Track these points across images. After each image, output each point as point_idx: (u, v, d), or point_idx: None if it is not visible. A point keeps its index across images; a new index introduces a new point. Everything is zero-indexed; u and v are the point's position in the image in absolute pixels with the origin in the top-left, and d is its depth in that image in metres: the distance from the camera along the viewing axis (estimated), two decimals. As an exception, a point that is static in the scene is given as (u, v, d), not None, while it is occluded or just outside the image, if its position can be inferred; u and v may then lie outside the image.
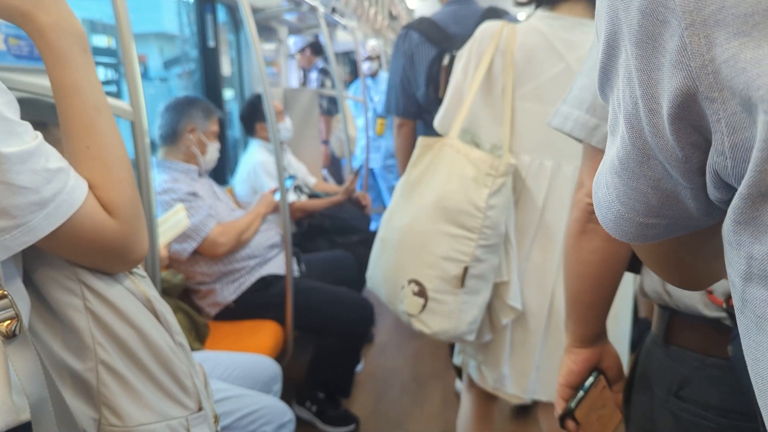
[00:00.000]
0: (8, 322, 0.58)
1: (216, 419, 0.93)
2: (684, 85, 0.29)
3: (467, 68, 1.45)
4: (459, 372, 2.47)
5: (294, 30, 3.97)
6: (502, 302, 1.45)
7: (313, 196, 3.04)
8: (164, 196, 2.11)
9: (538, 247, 1.43)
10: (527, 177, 1.42)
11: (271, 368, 1.90)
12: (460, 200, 1.37)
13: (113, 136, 0.79)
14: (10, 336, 0.58)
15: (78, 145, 0.76)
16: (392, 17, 5.56)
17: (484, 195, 1.36)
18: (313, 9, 3.14)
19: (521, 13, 2.18)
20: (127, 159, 0.81)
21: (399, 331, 3.30)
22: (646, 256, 0.50)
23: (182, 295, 2.18)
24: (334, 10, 3.64)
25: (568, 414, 0.94)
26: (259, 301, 2.28)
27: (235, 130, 3.46)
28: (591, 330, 0.94)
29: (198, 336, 2.01)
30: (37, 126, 0.68)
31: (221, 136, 2.43)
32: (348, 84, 5.06)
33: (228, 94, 3.36)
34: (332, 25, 4.07)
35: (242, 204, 2.74)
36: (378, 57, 4.61)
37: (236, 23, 3.24)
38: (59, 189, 0.67)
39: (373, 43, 4.57)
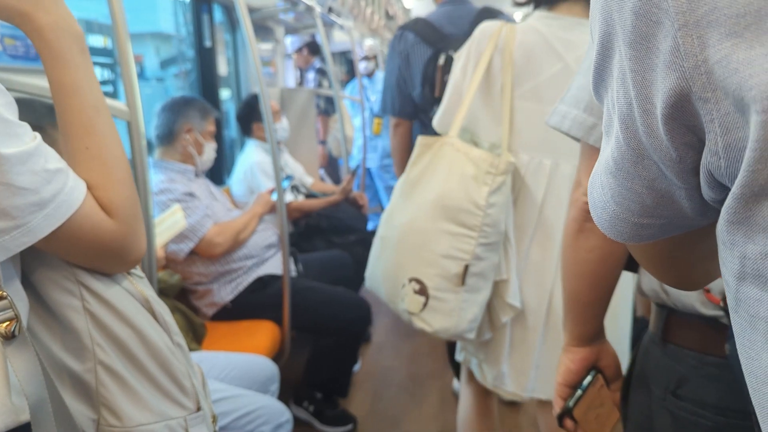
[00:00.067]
0: (7, 323, 0.58)
1: (214, 419, 0.93)
2: (677, 86, 0.30)
3: (466, 68, 1.45)
4: (457, 371, 2.47)
5: (291, 30, 3.97)
6: (501, 301, 1.46)
7: (310, 196, 3.04)
8: (161, 196, 2.11)
9: (537, 245, 1.44)
10: (526, 176, 1.43)
11: (269, 368, 1.90)
12: (461, 198, 1.38)
13: (112, 136, 0.79)
14: (10, 337, 0.58)
15: (77, 146, 0.75)
16: (389, 17, 5.56)
17: (484, 193, 1.36)
18: (309, 9, 3.14)
19: (516, 14, 2.19)
20: (125, 159, 0.81)
21: (396, 330, 3.31)
22: (642, 256, 0.51)
23: (179, 296, 2.18)
24: (330, 9, 3.64)
25: (566, 413, 0.94)
26: (257, 302, 2.28)
27: (232, 130, 3.46)
28: (589, 329, 0.94)
29: (195, 336, 2.01)
30: (33, 127, 0.68)
31: (218, 136, 2.43)
32: (345, 84, 5.06)
33: (225, 94, 3.35)
34: (329, 25, 4.07)
35: (239, 204, 2.74)
36: (375, 57, 4.61)
37: (233, 23, 3.24)
38: (58, 190, 0.67)
39: (369, 43, 4.57)
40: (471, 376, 1.65)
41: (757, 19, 0.26)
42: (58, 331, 0.74)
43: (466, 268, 1.38)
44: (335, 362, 2.40)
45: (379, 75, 4.58)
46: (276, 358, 2.16)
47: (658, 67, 0.30)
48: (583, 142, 0.89)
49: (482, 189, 1.37)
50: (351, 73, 5.22)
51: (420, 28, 2.14)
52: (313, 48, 4.25)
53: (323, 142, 4.32)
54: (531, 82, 1.39)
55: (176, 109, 2.24)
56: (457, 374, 2.50)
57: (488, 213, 1.37)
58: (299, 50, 4.26)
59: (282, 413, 1.63)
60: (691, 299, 0.81)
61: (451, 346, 2.28)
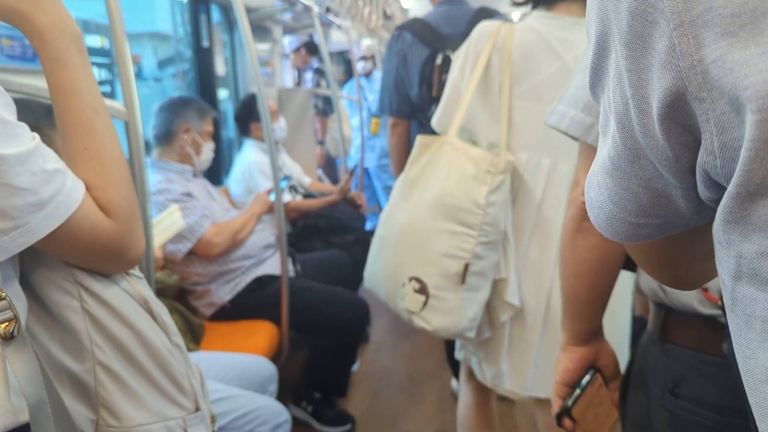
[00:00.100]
0: (6, 323, 0.58)
1: (213, 419, 0.93)
2: (673, 85, 0.30)
3: (464, 67, 1.45)
4: (455, 371, 2.47)
5: (288, 30, 3.97)
6: (500, 299, 1.46)
7: (308, 195, 3.04)
8: (159, 196, 2.11)
9: (536, 244, 1.44)
10: (524, 175, 1.43)
11: (267, 368, 1.90)
12: (460, 197, 1.38)
13: (110, 136, 0.79)
14: (9, 338, 0.58)
15: (76, 146, 0.75)
16: (386, 17, 5.55)
17: (484, 192, 1.37)
18: (307, 9, 3.14)
19: (514, 13, 2.19)
20: (123, 159, 0.81)
21: (395, 330, 3.31)
22: (639, 256, 0.51)
23: (177, 296, 2.17)
24: (328, 9, 3.64)
25: (564, 412, 0.94)
26: (255, 302, 2.28)
27: (230, 130, 3.46)
28: (587, 328, 0.95)
29: (193, 337, 2.01)
30: (31, 127, 0.68)
31: (216, 136, 2.42)
32: (342, 83, 5.06)
33: (222, 94, 3.35)
34: (327, 25, 4.07)
35: (237, 204, 2.73)
36: (372, 56, 4.61)
37: (230, 23, 3.23)
38: (57, 190, 0.67)
39: (367, 43, 4.56)
40: (471, 374, 1.66)
41: (752, 18, 0.26)
42: (57, 332, 0.74)
43: (466, 266, 1.39)
44: (334, 362, 2.40)
45: (377, 75, 4.58)
46: (274, 358, 2.16)
47: (654, 66, 0.30)
48: (582, 141, 0.90)
49: (482, 188, 1.37)
50: (349, 73, 5.23)
51: (417, 28, 2.15)
52: (311, 48, 4.24)
53: (321, 142, 4.31)
54: (529, 81, 1.39)
55: (174, 110, 2.24)
56: (456, 374, 2.50)
57: (488, 212, 1.37)
58: (297, 50, 4.26)
59: (280, 413, 1.63)
60: (690, 298, 0.81)
61: (449, 346, 2.28)
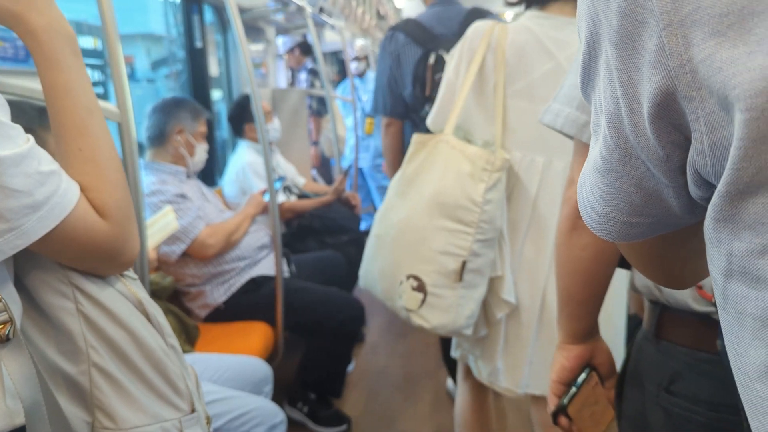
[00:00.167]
0: (2, 326, 0.58)
1: (208, 421, 0.93)
2: (663, 85, 0.30)
3: (459, 67, 1.46)
4: (450, 370, 2.48)
5: (282, 30, 3.96)
6: (496, 297, 1.47)
7: (302, 196, 3.03)
8: (152, 198, 2.10)
9: (531, 242, 1.45)
10: (519, 173, 1.44)
11: (262, 369, 1.89)
12: (457, 195, 1.39)
13: (105, 138, 0.78)
14: (4, 340, 0.58)
15: (70, 147, 0.75)
16: (380, 17, 5.55)
17: (481, 190, 1.37)
18: (300, 9, 3.14)
19: (507, 13, 2.20)
20: (118, 161, 0.80)
21: (390, 330, 3.31)
22: (632, 255, 0.51)
23: (171, 298, 2.17)
24: (321, 9, 3.64)
25: (560, 410, 0.94)
26: (250, 303, 2.27)
27: (224, 130, 3.45)
28: (583, 326, 0.95)
29: (188, 338, 2.00)
30: (24, 129, 0.68)
31: (209, 137, 2.42)
32: (336, 84, 5.06)
33: (216, 94, 3.34)
34: (320, 25, 4.07)
35: (231, 205, 2.73)
36: (366, 57, 4.61)
37: (223, 24, 3.23)
38: (52, 192, 0.67)
39: (360, 44, 4.56)
40: (468, 372, 1.66)
41: (740, 18, 0.26)
42: (52, 334, 0.74)
43: (464, 264, 1.40)
44: (329, 362, 2.40)
45: (371, 75, 4.58)
46: (269, 359, 2.15)
47: (644, 66, 0.31)
48: (576, 139, 0.90)
49: (479, 186, 1.38)
50: (342, 73, 5.22)
51: (410, 28, 2.16)
52: (305, 48, 4.24)
53: (316, 143, 4.31)
54: (523, 80, 1.40)
55: (167, 111, 2.23)
56: (451, 373, 2.51)
57: (485, 209, 1.38)
58: (291, 50, 4.25)
59: (276, 414, 1.63)
60: (684, 296, 0.82)
61: (444, 346, 2.28)
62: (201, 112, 2.31)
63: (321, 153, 4.35)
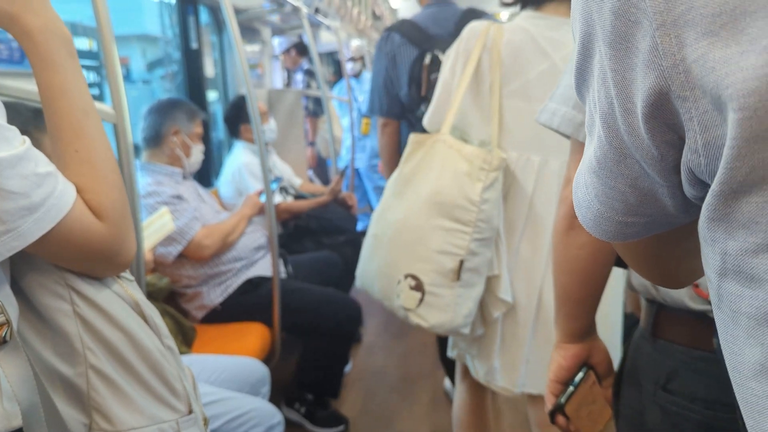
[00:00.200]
0: (-3, 328, 0.58)
1: (206, 422, 0.93)
2: (657, 85, 0.30)
3: (455, 67, 1.47)
4: (448, 370, 2.48)
5: (277, 31, 3.96)
6: (493, 296, 1.47)
7: (298, 197, 3.03)
8: (149, 199, 2.10)
9: (527, 241, 1.46)
10: (515, 172, 1.44)
11: (259, 370, 1.89)
12: (455, 195, 1.40)
13: (101, 139, 0.78)
14: (1, 342, 0.58)
15: (66, 149, 0.75)
16: (375, 17, 5.55)
17: (478, 189, 1.38)
18: (296, 10, 3.13)
19: (503, 13, 2.20)
20: (114, 162, 0.80)
21: (387, 330, 3.31)
22: (628, 255, 0.51)
23: (168, 299, 2.16)
24: (317, 10, 3.63)
25: (557, 409, 0.94)
26: (246, 304, 2.27)
27: (220, 131, 3.45)
28: (580, 325, 0.95)
29: (185, 339, 2.00)
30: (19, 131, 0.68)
31: (205, 138, 2.42)
32: (332, 84, 5.06)
33: (212, 95, 3.34)
34: (316, 26, 4.07)
35: (227, 206, 2.72)
36: (361, 58, 4.61)
37: (219, 24, 3.23)
38: (48, 193, 0.66)
39: (356, 44, 4.56)
40: (466, 372, 1.66)
41: (732, 18, 0.26)
42: (49, 336, 0.74)
43: (461, 263, 1.40)
44: (326, 363, 2.40)
45: (367, 75, 4.58)
46: (266, 360, 2.15)
47: (638, 66, 0.31)
48: (573, 139, 0.90)
49: (476, 185, 1.38)
50: (338, 73, 5.22)
51: (406, 29, 2.17)
52: (301, 49, 4.24)
53: (312, 144, 4.31)
54: (519, 80, 1.41)
55: (163, 112, 2.23)
56: (449, 373, 2.51)
57: (482, 209, 1.39)
58: (287, 51, 4.25)
59: (273, 415, 1.63)
60: (681, 294, 0.82)
61: (442, 346, 2.28)
62: (197, 113, 2.31)
63: (317, 153, 4.34)
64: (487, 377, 1.53)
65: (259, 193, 2.49)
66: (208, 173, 3.05)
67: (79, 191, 0.73)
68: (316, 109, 4.25)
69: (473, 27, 1.45)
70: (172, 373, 0.84)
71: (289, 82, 4.41)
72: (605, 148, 0.36)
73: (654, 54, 0.29)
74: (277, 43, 4.18)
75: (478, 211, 1.39)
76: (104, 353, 0.76)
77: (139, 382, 0.79)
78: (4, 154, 0.62)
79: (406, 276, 1.44)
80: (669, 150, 0.32)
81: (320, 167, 4.38)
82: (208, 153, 2.59)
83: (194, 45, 3.02)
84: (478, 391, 1.70)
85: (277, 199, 2.81)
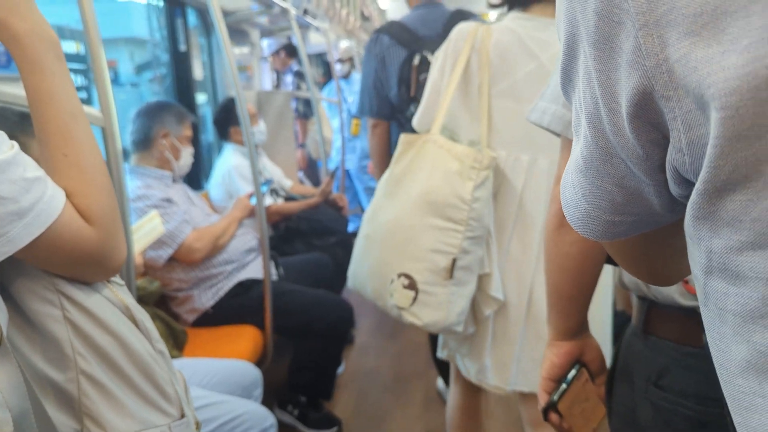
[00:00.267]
0: (-13, 334, 0.57)
1: (198, 426, 0.93)
2: (640, 84, 0.30)
3: (444, 68, 1.48)
4: (441, 370, 2.48)
5: (266, 33, 3.95)
6: (484, 294, 1.48)
7: (289, 198, 3.03)
8: (138, 203, 2.08)
9: (517, 239, 1.47)
10: (504, 171, 1.45)
11: (251, 373, 1.89)
12: (446, 194, 1.40)
13: (89, 143, 0.78)
14: (-10, 348, 0.57)
15: (55, 153, 0.75)
16: (364, 18, 5.56)
17: (470, 188, 1.39)
18: (284, 11, 3.13)
19: (490, 14, 2.21)
20: (103, 166, 0.80)
21: (380, 331, 3.31)
22: (616, 253, 0.51)
23: (159, 303, 2.15)
24: (305, 12, 3.63)
25: (550, 407, 0.95)
26: (238, 306, 2.26)
27: (209, 134, 3.43)
28: (572, 323, 0.95)
29: (176, 343, 1.99)
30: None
31: (195, 141, 2.40)
32: (322, 85, 5.05)
33: (201, 98, 3.32)
34: (304, 27, 4.06)
35: (218, 209, 2.72)
36: (350, 59, 4.60)
37: (207, 27, 3.21)
38: (37, 198, 0.66)
39: (344, 46, 4.56)
40: (460, 373, 1.67)
41: (713, 18, 0.26)
42: (39, 342, 0.73)
43: (454, 261, 1.41)
44: (319, 365, 2.40)
45: (356, 76, 4.58)
46: (259, 362, 2.15)
47: (622, 66, 0.31)
48: (563, 136, 0.91)
49: (467, 184, 1.39)
50: (328, 74, 5.22)
51: (395, 30, 2.18)
52: (291, 50, 4.23)
53: (302, 145, 4.30)
54: (507, 80, 1.42)
55: (152, 115, 2.22)
56: (441, 373, 2.51)
57: (474, 207, 1.40)
58: (276, 53, 4.24)
59: (266, 418, 1.62)
60: (671, 291, 0.83)
61: (434, 345, 2.29)
62: (186, 116, 2.30)
63: (308, 155, 4.34)
64: (479, 376, 1.53)
65: (250, 196, 2.48)
66: (198, 176, 3.04)
67: (68, 196, 0.72)
68: (306, 110, 4.24)
69: (462, 28, 1.46)
70: (164, 377, 0.84)
71: (278, 84, 4.40)
72: (591, 147, 0.36)
73: (637, 54, 0.29)
74: (266, 45, 4.17)
75: (469, 210, 1.40)
76: (95, 358, 0.75)
77: (131, 387, 0.79)
78: None
79: (399, 275, 1.44)
80: (654, 149, 0.33)
81: (311, 169, 4.37)
82: (197, 156, 2.58)
83: (182, 47, 3.00)
84: (472, 392, 1.71)
85: (268, 201, 2.81)
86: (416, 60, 2.08)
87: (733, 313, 0.30)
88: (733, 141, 0.27)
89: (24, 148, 0.71)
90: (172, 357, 1.83)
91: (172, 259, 2.14)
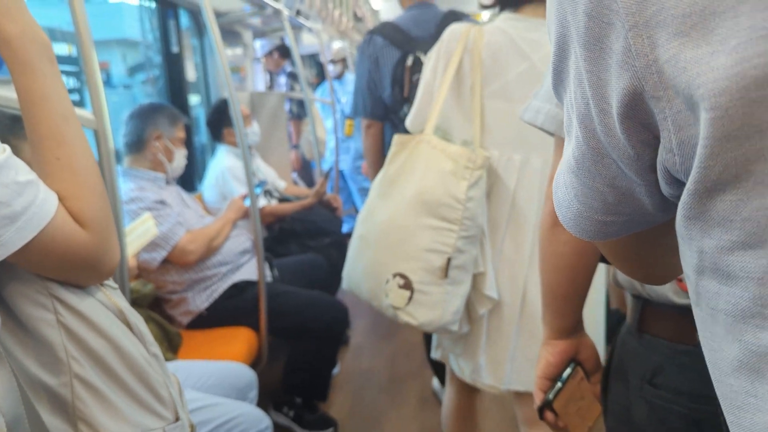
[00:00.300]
0: (-21, 339, 0.57)
1: (192, 429, 0.92)
2: (631, 85, 0.30)
3: (436, 68, 1.48)
4: (436, 370, 2.48)
5: (258, 34, 3.94)
6: (478, 293, 1.49)
7: (283, 200, 3.02)
8: (131, 205, 2.08)
9: (510, 238, 1.47)
10: (497, 171, 1.46)
11: (246, 375, 1.88)
12: (440, 194, 1.41)
13: (82, 145, 0.77)
14: (-18, 353, 0.57)
15: (47, 157, 0.74)
16: (357, 18, 5.56)
17: (464, 187, 1.40)
18: (277, 12, 3.12)
19: (484, 14, 2.22)
20: (96, 168, 0.80)
21: (374, 332, 3.30)
22: (609, 253, 0.51)
23: (153, 305, 2.15)
24: (298, 12, 3.63)
25: (546, 405, 0.95)
26: (232, 308, 2.26)
27: (202, 135, 3.42)
28: (567, 322, 0.96)
29: (170, 346, 1.98)
30: None
31: (188, 143, 2.40)
32: (315, 86, 5.05)
33: (194, 99, 3.31)
34: (297, 28, 4.05)
35: (211, 210, 2.71)
36: (343, 59, 4.60)
37: (200, 28, 3.20)
38: (30, 202, 0.66)
39: (336, 47, 4.56)
40: (454, 374, 1.67)
41: (702, 18, 0.26)
42: (32, 346, 0.73)
43: (449, 260, 1.42)
44: (314, 366, 2.39)
45: (349, 77, 4.58)
46: (254, 364, 2.14)
47: (612, 67, 0.31)
48: (557, 136, 0.91)
49: (461, 183, 1.40)
50: (321, 75, 5.21)
51: (388, 31, 2.19)
52: (284, 51, 4.23)
53: (296, 146, 4.29)
54: (499, 81, 1.42)
55: (145, 116, 2.21)
56: (436, 373, 2.51)
57: (468, 207, 1.40)
58: (270, 54, 4.24)
59: (261, 420, 1.62)
60: (665, 289, 0.83)
61: (429, 346, 2.29)
62: (179, 118, 2.29)
63: (301, 156, 4.33)
64: (473, 375, 1.54)
65: (244, 197, 2.48)
66: (191, 178, 3.03)
67: (60, 199, 0.72)
68: (299, 111, 4.24)
69: (454, 29, 1.46)
70: (158, 381, 0.83)
71: (271, 85, 4.40)
72: (583, 148, 0.36)
73: (627, 55, 0.30)
74: (259, 46, 4.17)
75: (463, 209, 1.40)
76: (89, 362, 0.75)
77: (125, 391, 0.79)
78: None
79: (395, 275, 1.45)
80: (645, 149, 0.33)
81: (304, 170, 4.37)
82: (191, 157, 2.57)
83: (175, 49, 3.00)
84: (467, 393, 1.71)
85: (262, 202, 2.80)
86: (409, 61, 2.09)
87: (724, 312, 0.30)
88: (722, 141, 0.27)
89: (16, 151, 0.71)
90: (167, 359, 1.83)
91: (166, 262, 2.13)
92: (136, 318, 0.84)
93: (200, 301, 2.22)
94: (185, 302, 2.22)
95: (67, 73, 2.35)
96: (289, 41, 3.32)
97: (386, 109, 2.23)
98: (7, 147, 0.66)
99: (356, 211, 4.34)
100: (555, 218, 0.91)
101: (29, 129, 0.75)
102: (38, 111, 0.74)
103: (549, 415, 0.96)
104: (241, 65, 3.70)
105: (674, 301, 0.82)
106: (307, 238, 2.95)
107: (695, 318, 0.34)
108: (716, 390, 0.32)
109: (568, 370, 0.97)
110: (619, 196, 0.37)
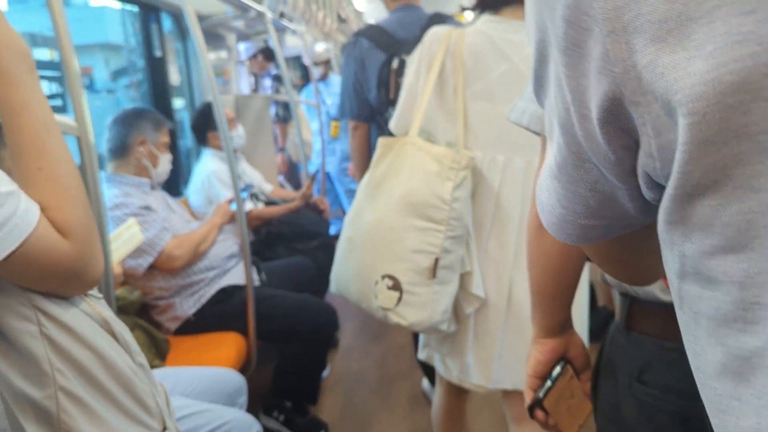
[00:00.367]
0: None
1: (182, 437, 0.92)
2: (610, 91, 0.30)
3: (419, 71, 1.49)
4: (426, 371, 2.49)
5: (242, 36, 3.93)
6: (465, 292, 1.50)
7: (269, 203, 3.01)
8: (116, 211, 2.06)
9: (495, 237, 1.49)
10: (481, 171, 1.47)
11: (235, 380, 1.87)
12: (426, 195, 1.42)
13: (63, 154, 0.77)
14: (-37, 368, 0.56)
15: (29, 166, 0.73)
16: (341, 20, 5.55)
17: (449, 188, 1.41)
18: (260, 15, 3.11)
19: (466, 15, 2.23)
20: (78, 177, 0.79)
21: (364, 333, 3.30)
22: (593, 255, 0.52)
23: (140, 312, 2.13)
24: (282, 15, 3.61)
25: (536, 404, 0.95)
26: (220, 313, 2.24)
27: (187, 139, 3.40)
28: (556, 320, 0.96)
29: (158, 352, 1.97)
30: None
31: (173, 147, 2.38)
32: (300, 88, 5.03)
33: (178, 103, 3.29)
34: (281, 30, 4.04)
35: (198, 215, 2.69)
36: (326, 61, 4.59)
37: (182, 32, 3.18)
38: (11, 213, 0.65)
39: (319, 50, 4.55)
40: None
41: (679, 24, 0.26)
42: (16, 359, 0.72)
43: (436, 261, 1.43)
44: (303, 369, 2.38)
45: (334, 78, 4.57)
46: (243, 369, 2.13)
47: (591, 72, 0.31)
48: (543, 136, 0.91)
49: (446, 184, 1.41)
50: (306, 77, 5.20)
51: (374, 34, 2.20)
52: (268, 54, 4.21)
53: (282, 149, 4.28)
54: (481, 82, 1.44)
55: (128, 122, 2.19)
56: (426, 374, 2.52)
57: (453, 207, 1.41)
58: (254, 56, 4.22)
59: (251, 425, 1.61)
60: (652, 287, 0.83)
61: (418, 346, 2.29)
62: (163, 122, 2.28)
63: (288, 158, 4.31)
64: (461, 375, 1.55)
65: (230, 201, 2.46)
66: (176, 182, 3.01)
67: (42, 209, 0.71)
68: (285, 114, 4.22)
69: (435, 32, 1.47)
70: (144, 390, 0.82)
71: (256, 88, 4.38)
72: (564, 153, 0.36)
73: (606, 60, 0.29)
74: (243, 49, 4.15)
75: (450, 210, 1.41)
76: (74, 374, 0.74)
77: (111, 402, 0.78)
78: None
79: (384, 276, 1.45)
80: (625, 154, 0.33)
81: (291, 172, 4.35)
82: (175, 162, 2.56)
83: (158, 53, 2.97)
84: (457, 393, 1.72)
85: (248, 206, 2.79)
86: (395, 63, 2.10)
87: (707, 316, 0.30)
88: (701, 146, 0.27)
89: (-3, 160, 0.70)
90: (155, 366, 1.82)
91: (153, 267, 2.12)
92: (121, 327, 0.83)
93: (187, 306, 2.21)
94: (172, 308, 2.20)
95: (50, 79, 2.32)
96: (273, 44, 3.31)
97: (372, 110, 2.23)
98: (-14, 158, 0.66)
99: (343, 212, 4.33)
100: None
101: (10, 139, 0.74)
102: (18, 120, 0.73)
103: (539, 413, 0.96)
104: (225, 68, 3.68)
105: (661, 299, 0.83)
106: (294, 241, 2.94)
107: (679, 321, 0.34)
108: (701, 393, 0.32)
109: (557, 369, 0.97)
110: (602, 200, 0.37)
